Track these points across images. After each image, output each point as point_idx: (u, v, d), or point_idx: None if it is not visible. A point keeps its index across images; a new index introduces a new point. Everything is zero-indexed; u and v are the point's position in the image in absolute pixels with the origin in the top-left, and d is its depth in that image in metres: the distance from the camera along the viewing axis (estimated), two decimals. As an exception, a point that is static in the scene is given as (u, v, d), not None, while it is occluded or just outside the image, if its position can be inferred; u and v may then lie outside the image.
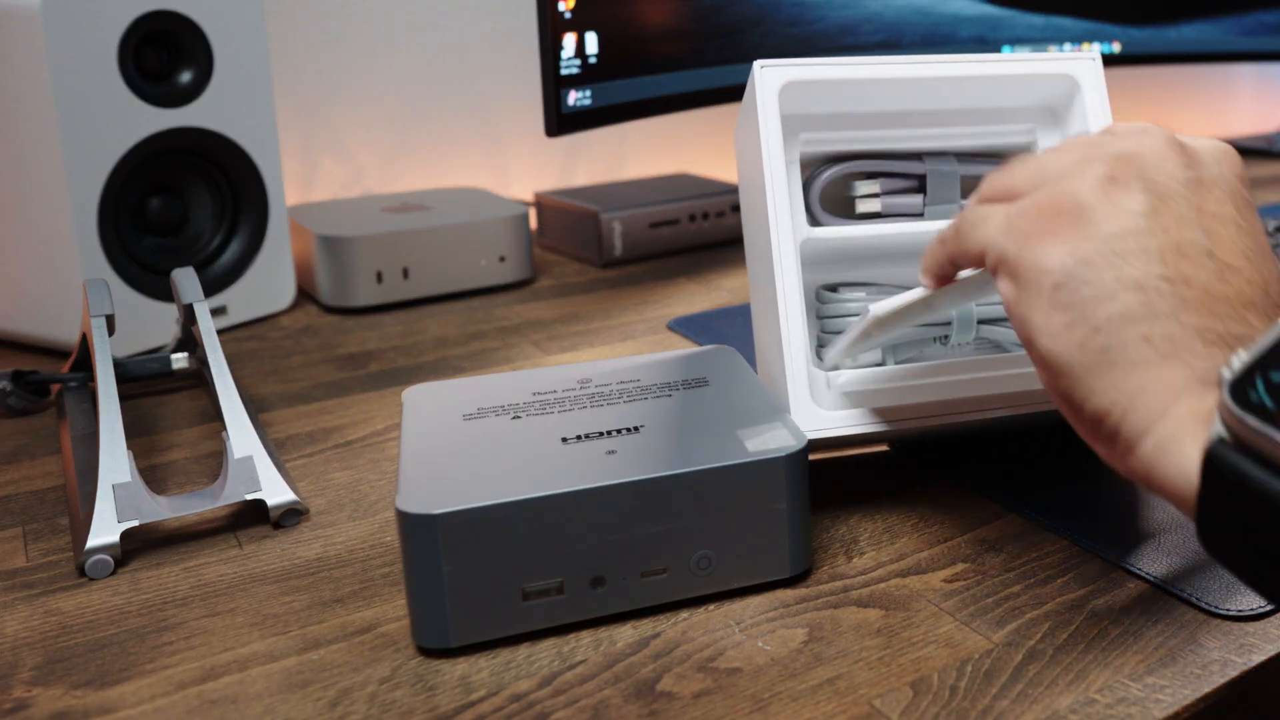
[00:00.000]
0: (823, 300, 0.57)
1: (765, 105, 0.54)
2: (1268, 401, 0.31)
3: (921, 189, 0.58)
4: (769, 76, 0.54)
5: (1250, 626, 0.42)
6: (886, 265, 0.60)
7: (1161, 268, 0.36)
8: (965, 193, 0.59)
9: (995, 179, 0.42)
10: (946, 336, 0.57)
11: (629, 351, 0.77)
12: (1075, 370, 0.36)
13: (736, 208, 1.07)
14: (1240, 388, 0.31)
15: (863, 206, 0.59)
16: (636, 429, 0.47)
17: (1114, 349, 0.35)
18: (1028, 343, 0.38)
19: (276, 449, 0.60)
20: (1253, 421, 0.30)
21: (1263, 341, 0.32)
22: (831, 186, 0.59)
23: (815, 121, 0.58)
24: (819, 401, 0.52)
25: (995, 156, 0.61)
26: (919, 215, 0.58)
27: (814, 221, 0.58)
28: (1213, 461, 0.31)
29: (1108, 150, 0.38)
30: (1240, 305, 0.36)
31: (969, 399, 0.52)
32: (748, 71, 0.58)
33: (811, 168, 0.59)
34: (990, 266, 0.40)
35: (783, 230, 0.52)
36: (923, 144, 0.59)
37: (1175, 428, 0.34)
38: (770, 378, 0.54)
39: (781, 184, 0.53)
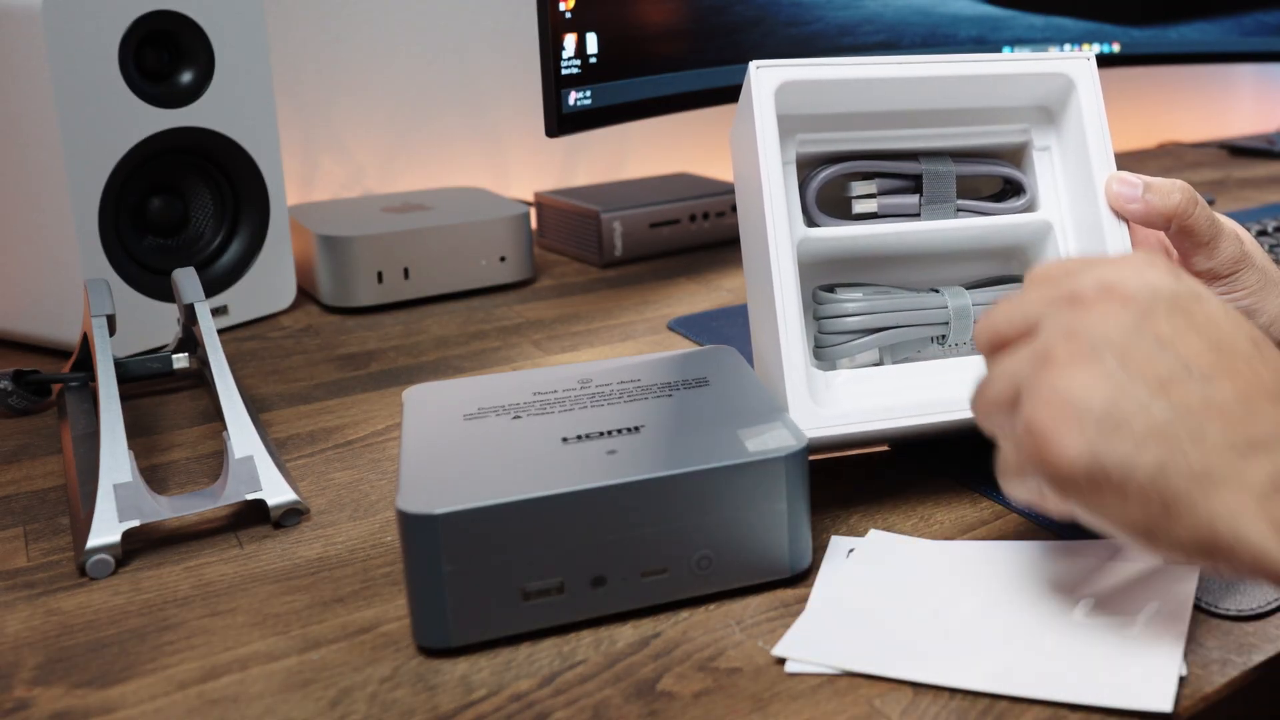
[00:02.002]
0: (819, 301, 0.57)
1: (761, 105, 0.54)
2: None
3: (917, 189, 0.58)
4: (765, 77, 0.54)
5: (1250, 626, 0.42)
6: (883, 265, 0.60)
7: (1163, 404, 0.36)
8: (961, 192, 0.59)
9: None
10: (944, 336, 0.57)
11: (629, 351, 0.77)
12: (1155, 532, 0.36)
13: (736, 208, 1.07)
14: None
15: (859, 207, 0.59)
16: (637, 429, 0.47)
17: (1170, 503, 0.36)
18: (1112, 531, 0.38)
19: (277, 449, 0.60)
20: None
21: None
22: (828, 187, 0.59)
23: (811, 122, 0.58)
24: (818, 401, 0.52)
25: (990, 156, 0.61)
26: (915, 215, 0.58)
27: (810, 222, 0.58)
28: None
29: (1047, 343, 0.39)
30: (1254, 399, 0.36)
31: (970, 401, 0.52)
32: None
33: (808, 168, 0.59)
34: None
35: (779, 231, 0.52)
36: (918, 144, 0.59)
37: (1267, 523, 0.34)
38: (768, 378, 0.54)
39: (778, 184, 0.53)
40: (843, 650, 0.41)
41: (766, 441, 0.45)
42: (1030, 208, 0.60)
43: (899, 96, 0.58)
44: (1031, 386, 0.38)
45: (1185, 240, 0.54)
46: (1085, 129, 0.57)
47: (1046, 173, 0.60)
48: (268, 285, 0.86)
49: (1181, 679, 0.39)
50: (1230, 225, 0.55)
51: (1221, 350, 0.37)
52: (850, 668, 0.40)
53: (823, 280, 0.59)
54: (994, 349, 0.42)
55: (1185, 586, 0.44)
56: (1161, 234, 0.56)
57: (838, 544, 0.49)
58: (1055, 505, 0.39)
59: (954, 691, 0.39)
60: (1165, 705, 0.37)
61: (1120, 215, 0.55)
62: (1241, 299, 0.54)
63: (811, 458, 0.47)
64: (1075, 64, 0.58)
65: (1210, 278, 0.54)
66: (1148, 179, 0.55)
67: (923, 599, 0.45)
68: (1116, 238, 0.55)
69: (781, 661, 0.41)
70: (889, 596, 0.45)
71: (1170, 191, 0.54)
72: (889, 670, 0.40)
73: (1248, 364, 0.37)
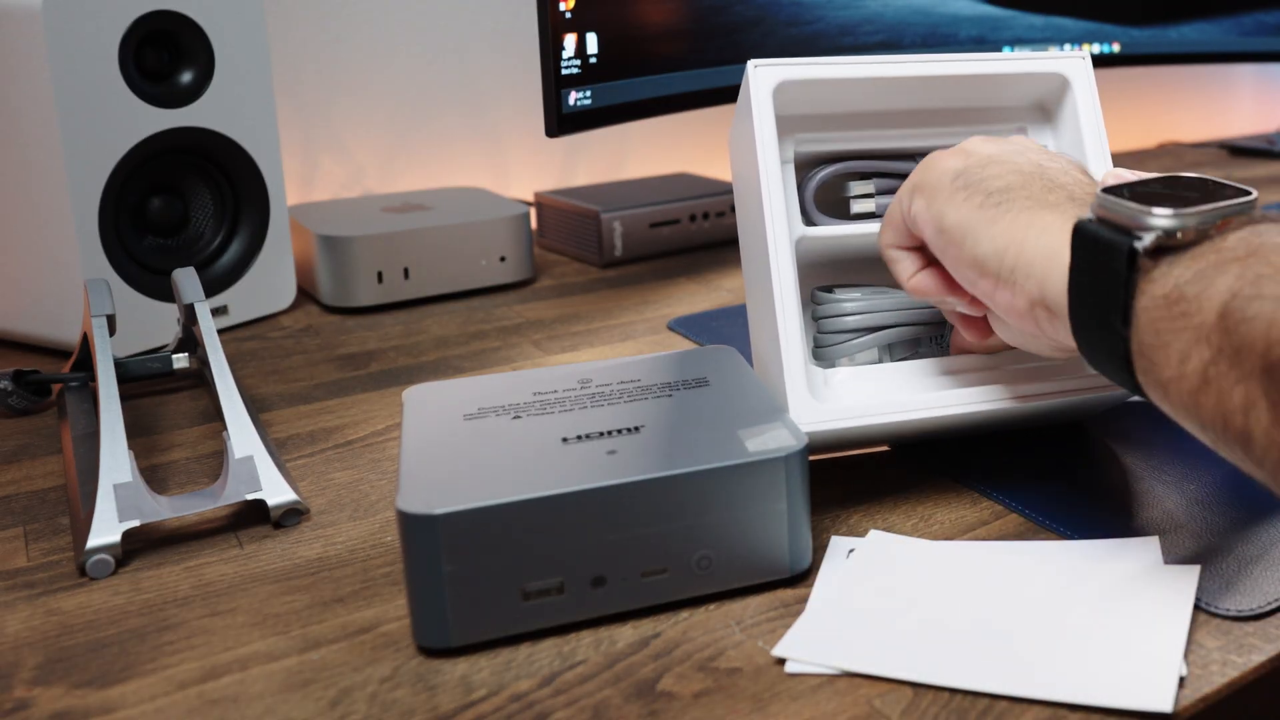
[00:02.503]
0: (818, 301, 0.57)
1: (760, 105, 0.54)
2: (1125, 193, 0.41)
3: None
4: (763, 76, 0.54)
5: (1250, 626, 0.42)
6: (882, 266, 0.60)
7: (1029, 164, 0.48)
8: None
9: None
10: (943, 336, 0.57)
11: (629, 351, 0.77)
12: (977, 227, 0.46)
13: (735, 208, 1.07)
14: (1107, 191, 0.41)
15: (857, 207, 0.59)
16: (636, 429, 0.47)
17: (1004, 204, 0.46)
18: (937, 230, 0.48)
19: (277, 449, 0.60)
20: (1109, 199, 0.40)
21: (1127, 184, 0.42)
22: (826, 187, 0.59)
23: (809, 121, 0.58)
24: (817, 398, 0.52)
25: None
26: None
27: (809, 221, 0.58)
28: (1078, 231, 0.41)
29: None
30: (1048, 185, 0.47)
31: (969, 398, 0.52)
32: (748, 72, 0.59)
33: (806, 168, 0.59)
34: (907, 210, 0.50)
35: (778, 230, 0.52)
36: (916, 143, 0.59)
37: (1059, 242, 0.43)
38: (767, 377, 0.54)
39: (777, 184, 0.53)
40: (843, 650, 0.41)
41: (766, 441, 0.45)
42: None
43: (896, 96, 0.58)
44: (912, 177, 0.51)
45: None
46: (1081, 128, 0.57)
47: (1045, 172, 0.60)
48: (268, 285, 0.86)
49: (1181, 679, 0.39)
50: None
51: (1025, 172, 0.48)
52: (850, 668, 0.40)
53: (821, 280, 0.59)
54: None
55: (1185, 586, 0.44)
56: None
57: (838, 544, 0.49)
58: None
59: (954, 691, 0.39)
60: (1165, 705, 0.38)
61: None
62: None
63: (812, 458, 0.47)
64: (1071, 63, 0.58)
65: None
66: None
67: (923, 599, 0.45)
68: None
69: (781, 662, 0.41)
70: (889, 597, 0.45)
71: None
72: (889, 670, 0.40)
73: (1042, 178, 0.47)
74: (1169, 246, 0.39)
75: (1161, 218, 0.39)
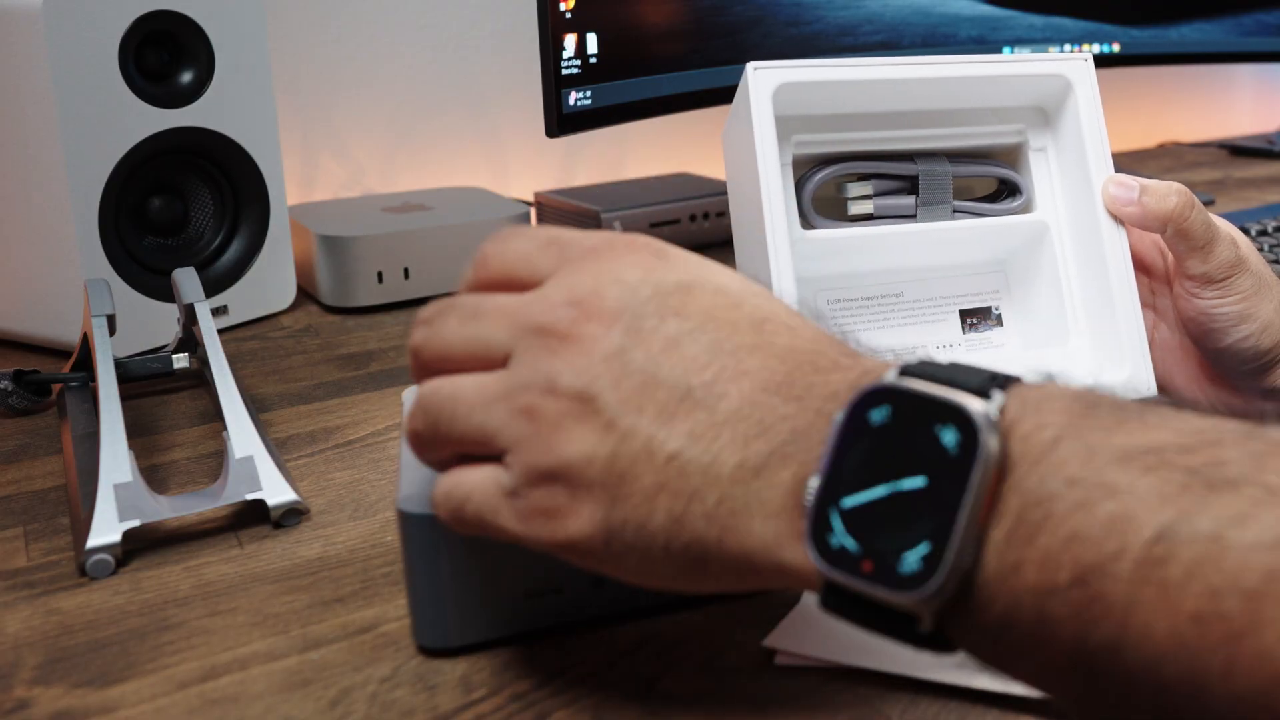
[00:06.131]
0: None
1: (759, 107, 0.54)
2: (849, 544, 0.29)
3: (913, 190, 0.58)
4: (762, 78, 0.54)
5: (1249, 626, 0.42)
6: (881, 267, 0.60)
7: (671, 439, 0.32)
8: (957, 193, 0.59)
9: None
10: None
11: (629, 351, 0.77)
12: (697, 578, 0.33)
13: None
14: (820, 536, 0.30)
15: (855, 208, 0.59)
16: (636, 429, 0.47)
17: (697, 553, 0.32)
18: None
19: (277, 449, 0.60)
20: (841, 577, 0.29)
21: (821, 462, 0.30)
22: (823, 188, 0.59)
23: (807, 122, 0.58)
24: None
25: (986, 157, 0.61)
26: (911, 216, 0.58)
27: (806, 224, 0.58)
28: (830, 604, 0.31)
29: (527, 401, 0.34)
30: (761, 398, 0.32)
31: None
32: (748, 72, 0.59)
33: (803, 169, 0.58)
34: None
35: (778, 233, 0.52)
36: (914, 145, 0.59)
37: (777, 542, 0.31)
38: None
39: (776, 186, 0.53)
40: (834, 643, 0.41)
41: (766, 442, 0.45)
42: (1026, 209, 0.60)
43: (894, 97, 0.58)
44: (521, 459, 0.34)
45: (1181, 243, 0.54)
46: (1083, 130, 0.57)
47: (1043, 174, 0.60)
48: (268, 285, 0.86)
49: None
50: (1226, 229, 0.55)
51: (721, 350, 0.33)
52: (843, 661, 0.40)
53: (819, 283, 0.58)
54: (434, 370, 0.37)
55: None
56: (1157, 236, 0.56)
57: None
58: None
59: (954, 691, 0.39)
60: None
61: (1116, 218, 0.55)
62: (1235, 304, 0.54)
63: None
64: (1073, 65, 0.58)
65: (1205, 281, 0.54)
66: (1144, 181, 0.55)
67: None
68: (1113, 240, 0.55)
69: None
70: None
71: (1166, 195, 0.54)
72: (879, 664, 0.40)
73: (753, 354, 0.33)
74: None
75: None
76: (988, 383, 0.30)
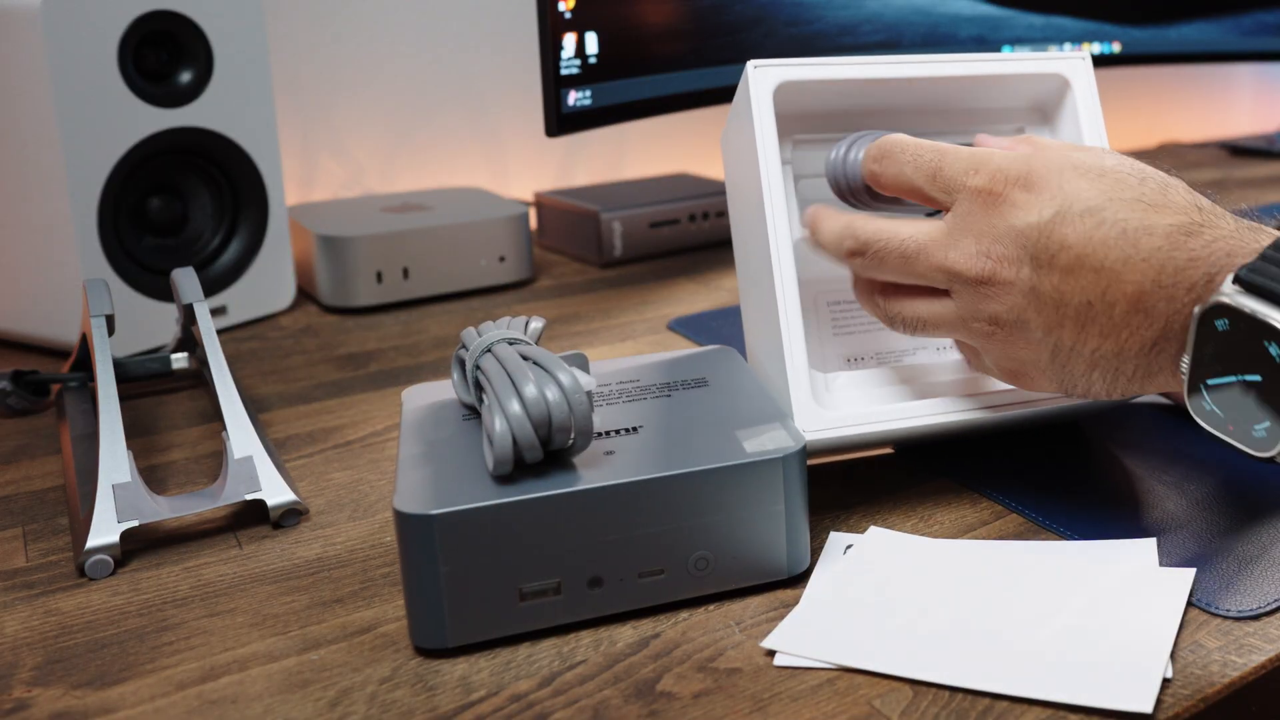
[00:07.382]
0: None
1: (760, 106, 0.54)
2: (1217, 410, 0.42)
3: None
4: (762, 77, 0.54)
5: (1250, 626, 0.42)
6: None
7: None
8: None
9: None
10: None
11: (629, 351, 0.77)
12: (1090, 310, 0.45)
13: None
14: (1196, 402, 0.43)
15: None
16: (635, 429, 0.47)
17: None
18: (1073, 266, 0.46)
19: (276, 449, 0.60)
20: (1212, 430, 0.43)
21: (1188, 346, 0.42)
22: (824, 188, 0.58)
23: (807, 121, 0.58)
24: (821, 404, 0.52)
25: None
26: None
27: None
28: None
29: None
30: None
31: (972, 403, 0.52)
32: (747, 72, 0.59)
33: (803, 170, 0.58)
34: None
35: (780, 232, 0.52)
36: None
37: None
38: (767, 382, 0.54)
39: (778, 185, 0.53)
40: (834, 645, 0.41)
41: (764, 442, 0.45)
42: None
43: (894, 96, 0.58)
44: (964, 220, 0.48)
45: None
46: (1081, 128, 0.57)
47: (1045, 173, 0.60)
48: (267, 285, 0.86)
49: (1166, 681, 0.39)
50: None
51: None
52: (841, 662, 0.40)
53: (817, 285, 0.58)
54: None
55: (1178, 589, 0.44)
56: None
57: (836, 539, 0.49)
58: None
59: (954, 691, 0.39)
60: (1146, 706, 0.37)
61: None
62: None
63: (813, 461, 0.47)
64: (1071, 64, 0.58)
65: None
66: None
67: (918, 596, 0.45)
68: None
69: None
70: (884, 592, 0.45)
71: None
72: (880, 665, 0.40)
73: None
74: None
75: None
76: None
